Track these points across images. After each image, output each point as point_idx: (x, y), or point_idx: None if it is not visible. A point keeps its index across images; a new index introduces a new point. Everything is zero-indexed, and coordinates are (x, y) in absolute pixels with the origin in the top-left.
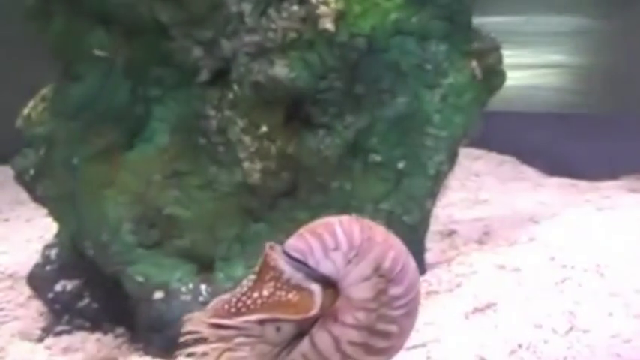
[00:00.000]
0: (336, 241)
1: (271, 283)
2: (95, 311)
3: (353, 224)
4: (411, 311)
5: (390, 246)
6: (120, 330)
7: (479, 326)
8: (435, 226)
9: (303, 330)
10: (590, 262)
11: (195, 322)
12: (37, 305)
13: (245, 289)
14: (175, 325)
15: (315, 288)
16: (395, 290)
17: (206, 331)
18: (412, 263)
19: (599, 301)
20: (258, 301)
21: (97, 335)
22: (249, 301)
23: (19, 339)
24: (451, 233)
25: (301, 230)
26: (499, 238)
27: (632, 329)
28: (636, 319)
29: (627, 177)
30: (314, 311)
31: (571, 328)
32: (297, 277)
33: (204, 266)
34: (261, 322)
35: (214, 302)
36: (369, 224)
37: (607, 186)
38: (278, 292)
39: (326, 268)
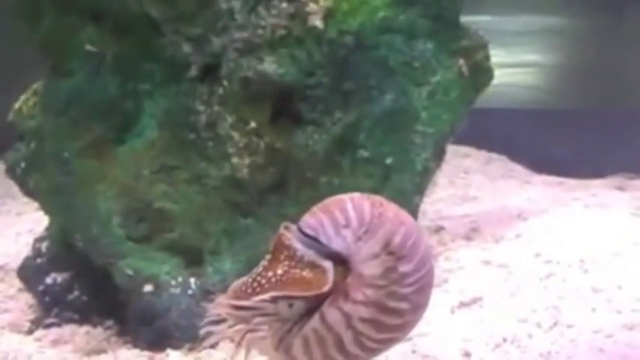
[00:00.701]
0: (347, 217)
1: (286, 262)
2: (84, 304)
3: (364, 201)
4: (423, 287)
5: (401, 222)
6: (109, 323)
7: (465, 320)
8: (423, 222)
9: (315, 306)
10: (575, 259)
11: (217, 307)
12: (26, 298)
13: (261, 269)
14: (164, 318)
15: (327, 265)
16: (405, 267)
17: (227, 315)
18: (424, 240)
19: (583, 297)
20: (273, 280)
21: (86, 328)
22: (264, 281)
23: (9, 331)
24: (439, 229)
25: (314, 208)
26: (486, 235)
27: (615, 324)
28: (619, 315)
29: (614, 175)
30: (326, 287)
31: (555, 323)
32: (310, 254)
33: (193, 260)
34: (275, 299)
35: (233, 284)
36: (381, 201)
37: (595, 184)
38: (292, 270)
39: (337, 244)
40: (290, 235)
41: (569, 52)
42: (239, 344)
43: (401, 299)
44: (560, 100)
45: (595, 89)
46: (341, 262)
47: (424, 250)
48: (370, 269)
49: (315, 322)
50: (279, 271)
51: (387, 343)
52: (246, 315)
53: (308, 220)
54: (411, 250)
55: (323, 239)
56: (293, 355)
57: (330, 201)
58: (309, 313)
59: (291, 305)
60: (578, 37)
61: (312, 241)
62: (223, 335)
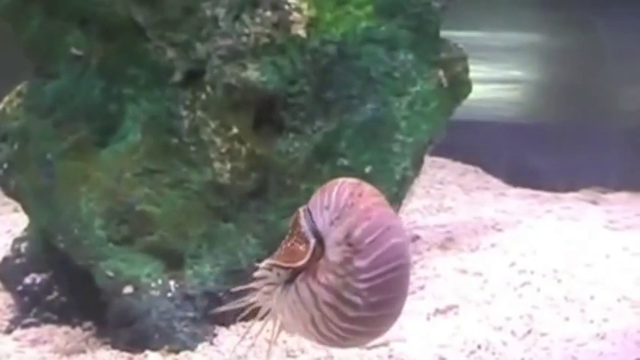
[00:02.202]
0: (329, 200)
1: (294, 236)
2: (64, 304)
3: (348, 187)
4: (380, 287)
5: (367, 218)
6: (88, 324)
7: (440, 327)
8: None
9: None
10: (549, 269)
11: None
12: (5, 297)
13: (282, 242)
14: (143, 320)
15: (312, 241)
16: (359, 262)
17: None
18: (392, 241)
19: (557, 306)
20: (280, 251)
21: (65, 328)
22: (276, 252)
23: None
24: (414, 238)
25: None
26: (461, 244)
27: (587, 333)
28: (591, 324)
29: (587, 189)
30: (300, 263)
31: (529, 332)
32: (306, 230)
33: (174, 263)
34: (271, 268)
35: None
36: (362, 191)
37: (568, 197)
38: (295, 244)
39: (319, 224)
40: (301, 213)
41: (548, 68)
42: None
43: (354, 293)
44: (537, 115)
45: (572, 105)
46: (322, 240)
47: (387, 250)
48: (333, 255)
49: (292, 293)
50: (288, 244)
51: (355, 335)
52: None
53: (312, 198)
54: (368, 246)
55: (314, 216)
56: (285, 322)
57: (330, 182)
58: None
59: (278, 274)
60: (557, 54)
61: (310, 218)
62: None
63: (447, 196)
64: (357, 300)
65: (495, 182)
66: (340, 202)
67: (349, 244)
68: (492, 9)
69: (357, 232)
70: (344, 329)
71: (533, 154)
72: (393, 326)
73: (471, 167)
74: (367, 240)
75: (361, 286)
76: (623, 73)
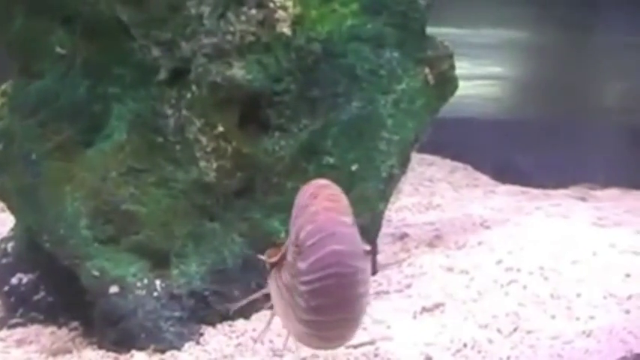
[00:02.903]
0: (297, 199)
1: None
2: (50, 305)
3: (311, 187)
4: (316, 292)
5: (313, 221)
6: (74, 324)
7: (426, 325)
8: (387, 229)
9: None
10: (535, 266)
11: None
12: None
13: None
14: (129, 320)
15: (288, 239)
16: (300, 264)
17: None
18: (332, 247)
19: (543, 304)
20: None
21: (52, 328)
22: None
23: None
24: (403, 236)
25: None
26: (449, 242)
27: (574, 331)
28: (577, 322)
29: (577, 186)
30: (273, 258)
31: (515, 329)
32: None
33: (159, 262)
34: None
35: None
36: (321, 194)
37: (557, 194)
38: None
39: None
40: None
41: (528, 65)
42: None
43: (298, 294)
44: (519, 111)
45: (554, 102)
46: None
47: (325, 256)
48: (289, 255)
49: (270, 284)
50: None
51: (311, 338)
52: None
53: None
54: (308, 249)
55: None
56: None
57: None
58: None
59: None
60: (537, 51)
61: None
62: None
63: (436, 194)
64: (301, 302)
65: (485, 179)
66: (300, 202)
67: (296, 245)
68: (472, 6)
69: (302, 234)
70: (301, 330)
71: (520, 151)
72: (351, 335)
73: (460, 164)
74: (308, 243)
75: (302, 288)
76: (605, 69)
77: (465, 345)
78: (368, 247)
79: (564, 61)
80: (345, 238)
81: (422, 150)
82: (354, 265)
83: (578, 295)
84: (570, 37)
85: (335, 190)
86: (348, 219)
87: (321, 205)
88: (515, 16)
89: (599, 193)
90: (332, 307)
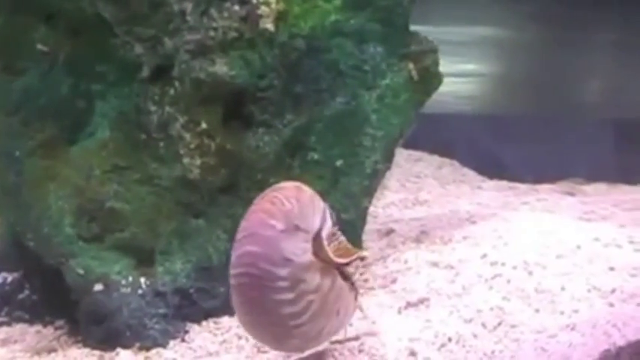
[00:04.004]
0: None
1: None
2: (35, 303)
3: (269, 189)
4: (232, 288)
5: (245, 219)
6: (59, 322)
7: (411, 320)
8: (374, 224)
9: None
10: (520, 261)
11: None
12: None
13: None
14: (114, 318)
15: None
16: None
17: None
18: (247, 248)
19: (527, 298)
20: None
21: (37, 327)
22: None
23: None
24: (390, 232)
25: None
26: (435, 237)
27: (558, 325)
28: (561, 316)
29: (565, 181)
30: None
31: (499, 323)
32: None
33: (144, 260)
34: None
35: None
36: (267, 195)
37: (545, 189)
38: None
39: None
40: None
41: (502, 62)
42: None
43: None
44: (494, 108)
45: (533, 98)
46: None
47: (240, 255)
48: None
49: None
50: None
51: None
52: None
53: None
54: (235, 245)
55: None
56: None
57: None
58: None
59: None
60: (513, 47)
61: None
62: None
63: (423, 190)
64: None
65: (472, 175)
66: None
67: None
68: (444, 3)
69: (237, 232)
70: None
71: (504, 147)
72: (272, 344)
73: (447, 160)
74: (235, 240)
75: (231, 281)
76: (581, 65)
77: (449, 339)
78: (310, 258)
79: (539, 58)
80: (265, 241)
81: (408, 145)
82: (267, 270)
83: (563, 289)
84: (545, 34)
85: (288, 193)
86: (280, 224)
87: (260, 205)
88: (488, 13)
89: (586, 187)
90: (242, 307)
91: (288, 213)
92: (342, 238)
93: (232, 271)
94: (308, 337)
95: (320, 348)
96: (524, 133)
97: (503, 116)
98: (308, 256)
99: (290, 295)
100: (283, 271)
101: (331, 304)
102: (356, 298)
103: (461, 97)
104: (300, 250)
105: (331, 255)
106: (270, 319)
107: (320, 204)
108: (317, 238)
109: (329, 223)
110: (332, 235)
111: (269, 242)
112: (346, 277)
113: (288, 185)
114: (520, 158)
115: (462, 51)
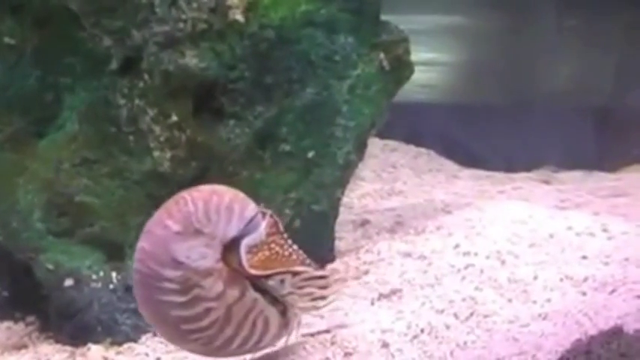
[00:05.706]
0: None
1: None
2: (5, 300)
3: (194, 188)
4: (137, 283)
5: (153, 215)
6: (30, 318)
7: (383, 312)
8: (349, 215)
9: None
10: (492, 250)
11: None
12: None
13: None
14: (85, 313)
15: None
16: None
17: None
18: (140, 244)
19: (500, 288)
20: None
21: (8, 324)
22: None
23: None
24: (364, 223)
25: None
26: (409, 228)
27: (530, 314)
28: (534, 305)
29: (540, 168)
30: None
31: (472, 314)
32: None
33: (115, 254)
34: None
35: None
36: (180, 196)
37: (521, 177)
38: None
39: None
40: None
41: (466, 50)
42: None
43: None
44: (457, 96)
45: (497, 86)
46: None
47: (137, 251)
48: None
49: None
50: None
51: None
52: None
53: None
54: (138, 244)
55: None
56: None
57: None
58: None
59: None
60: (474, 35)
61: None
62: None
63: (399, 180)
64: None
65: (448, 164)
66: None
67: None
68: None
69: None
70: None
71: (484, 136)
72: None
73: (423, 150)
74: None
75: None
76: (544, 52)
77: (422, 330)
78: (211, 264)
79: (501, 46)
80: (156, 240)
81: (382, 135)
82: (154, 269)
83: (535, 278)
84: (506, 21)
85: (198, 195)
86: (177, 225)
87: (166, 204)
88: (448, 1)
89: (563, 175)
90: (138, 300)
91: (189, 215)
92: (291, 249)
93: (134, 266)
94: (217, 345)
95: (292, 340)
96: (493, 122)
97: (468, 105)
98: (209, 262)
99: (180, 299)
100: (171, 273)
101: (240, 315)
102: (285, 313)
103: (422, 85)
104: (197, 254)
105: (246, 265)
106: (159, 318)
107: (244, 212)
108: (231, 246)
109: (260, 232)
110: (266, 244)
111: (160, 242)
112: (265, 291)
113: (204, 188)
114: (491, 147)
115: (421, 40)
